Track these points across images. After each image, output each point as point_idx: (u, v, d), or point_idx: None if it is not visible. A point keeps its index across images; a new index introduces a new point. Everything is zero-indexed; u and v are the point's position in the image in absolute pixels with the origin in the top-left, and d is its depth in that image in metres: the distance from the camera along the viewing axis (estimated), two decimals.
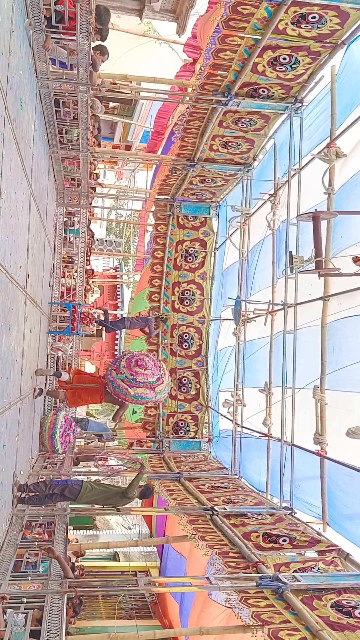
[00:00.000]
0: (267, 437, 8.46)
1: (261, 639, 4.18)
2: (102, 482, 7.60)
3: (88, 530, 14.73)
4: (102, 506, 7.38)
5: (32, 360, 7.74)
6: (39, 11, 5.91)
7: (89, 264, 13.86)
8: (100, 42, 7.04)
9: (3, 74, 4.60)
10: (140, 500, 8.62)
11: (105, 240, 24.35)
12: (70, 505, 7.28)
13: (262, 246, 9.44)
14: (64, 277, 12.11)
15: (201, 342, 12.16)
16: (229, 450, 10.19)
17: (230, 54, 6.70)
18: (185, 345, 12.10)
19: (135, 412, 12.48)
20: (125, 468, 9.21)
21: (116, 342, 23.06)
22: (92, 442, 11.45)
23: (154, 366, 8.67)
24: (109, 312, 12.63)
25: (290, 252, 6.90)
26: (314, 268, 6.17)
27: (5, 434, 5.53)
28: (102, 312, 11.82)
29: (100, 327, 11.65)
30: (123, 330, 14.97)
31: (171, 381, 10.16)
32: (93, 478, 8.33)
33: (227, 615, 5.66)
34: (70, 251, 12.50)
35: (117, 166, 21.73)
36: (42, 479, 7.43)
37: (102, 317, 11.73)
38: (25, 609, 4.32)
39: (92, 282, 15.57)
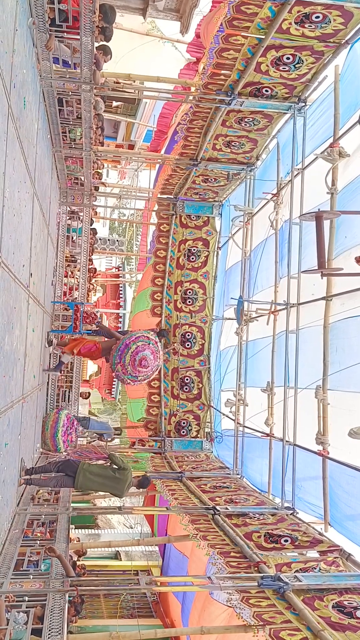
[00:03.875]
0: (269, 437, 8.46)
1: (262, 638, 4.18)
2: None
3: (90, 529, 14.74)
4: (104, 493, 7.78)
5: (34, 359, 7.75)
6: (43, 10, 5.92)
7: (92, 263, 13.87)
8: (104, 43, 7.04)
9: (7, 73, 4.61)
10: (142, 500, 8.67)
11: (108, 240, 24.37)
12: (73, 504, 7.32)
13: (264, 246, 9.43)
14: (66, 276, 12.13)
15: (203, 342, 12.15)
16: (231, 449, 10.19)
17: (234, 53, 6.69)
18: (188, 345, 12.10)
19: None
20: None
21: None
22: (93, 441, 11.46)
23: (154, 358, 8.95)
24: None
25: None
26: (316, 267, 6.16)
27: (7, 432, 5.54)
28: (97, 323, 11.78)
29: (98, 328, 11.55)
30: None
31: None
32: None
33: (228, 615, 5.67)
34: (73, 250, 12.51)
35: (120, 165, 21.74)
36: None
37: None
38: (26, 608, 4.32)
39: (95, 281, 15.58)
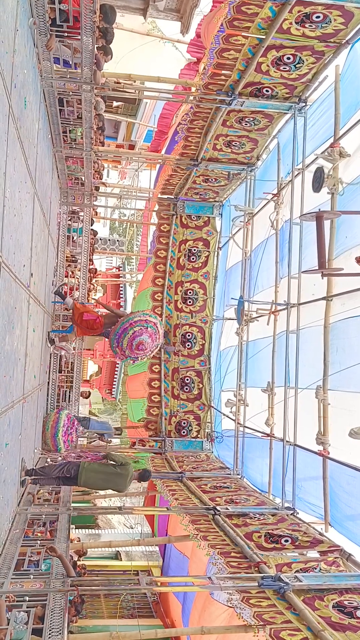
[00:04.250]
0: (269, 437, 8.45)
1: (263, 639, 4.18)
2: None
3: (90, 529, 14.75)
4: (105, 490, 7.92)
5: (35, 359, 7.75)
6: (44, 10, 5.92)
7: (92, 263, 13.87)
8: (104, 42, 7.04)
9: (7, 73, 4.61)
10: (143, 500, 8.71)
11: (109, 240, 24.36)
12: (73, 504, 7.34)
13: (265, 246, 9.43)
14: (67, 276, 12.13)
15: (204, 342, 12.15)
16: (231, 450, 10.19)
17: (234, 53, 6.70)
18: (188, 345, 12.10)
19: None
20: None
21: None
22: (93, 441, 11.46)
23: (152, 340, 9.04)
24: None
25: (320, 168, 6.49)
26: (317, 268, 6.16)
27: (8, 432, 5.54)
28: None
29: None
30: None
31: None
32: None
33: (228, 615, 5.66)
34: (73, 250, 12.51)
35: (120, 165, 21.74)
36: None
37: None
38: (27, 608, 4.32)
39: (95, 281, 15.58)
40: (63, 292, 10.21)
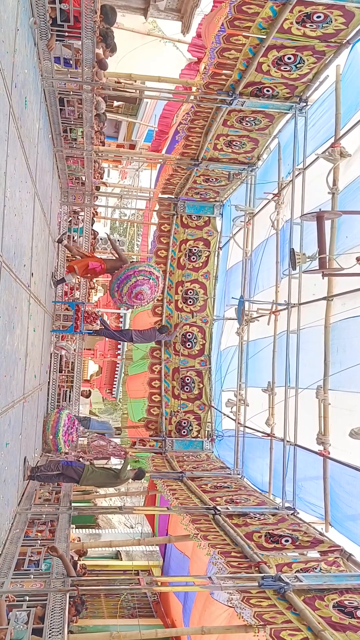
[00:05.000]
0: (270, 437, 8.45)
1: (263, 639, 4.18)
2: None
3: (90, 529, 14.75)
4: (102, 489, 8.70)
5: (35, 358, 7.75)
6: (44, 10, 5.92)
7: None
8: (104, 46, 7.04)
9: (8, 73, 4.61)
10: (143, 500, 8.80)
11: (109, 239, 24.29)
12: (73, 504, 7.37)
13: (265, 246, 9.42)
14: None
15: (204, 342, 12.15)
16: (231, 449, 10.19)
17: (235, 53, 6.69)
18: (189, 345, 12.10)
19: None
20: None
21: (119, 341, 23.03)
22: (94, 441, 11.46)
23: (151, 292, 9.20)
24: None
25: (293, 249, 6.89)
26: (317, 267, 6.15)
27: (8, 432, 5.54)
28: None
29: (102, 326, 11.62)
30: None
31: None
32: None
33: (229, 615, 5.66)
34: None
35: (121, 165, 21.72)
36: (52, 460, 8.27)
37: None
38: (27, 607, 4.33)
39: (96, 281, 15.56)
40: (66, 238, 10.37)
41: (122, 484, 7.90)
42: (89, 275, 9.92)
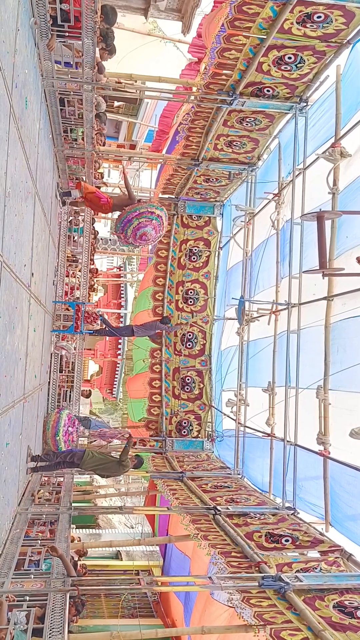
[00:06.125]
0: (270, 437, 8.45)
1: (263, 638, 4.18)
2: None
3: (91, 529, 14.75)
4: (103, 477, 8.75)
5: (36, 358, 7.76)
6: (45, 10, 5.92)
7: (93, 262, 13.86)
8: (104, 46, 7.04)
9: (8, 73, 4.61)
10: (143, 499, 8.80)
11: (109, 239, 24.34)
12: (74, 504, 7.38)
13: (266, 246, 9.42)
14: (68, 276, 12.12)
15: (205, 342, 12.16)
16: (232, 449, 10.19)
17: (236, 53, 6.70)
18: (189, 345, 12.10)
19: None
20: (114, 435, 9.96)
21: (119, 341, 23.07)
22: (94, 440, 11.47)
23: (155, 232, 9.01)
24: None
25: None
26: (318, 267, 6.15)
27: (9, 432, 5.54)
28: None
29: (104, 325, 11.64)
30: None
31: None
32: None
33: (229, 615, 5.66)
34: (74, 250, 12.51)
35: (121, 165, 21.71)
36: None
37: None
38: (27, 607, 4.33)
39: (96, 281, 15.58)
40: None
41: (123, 471, 7.88)
42: (93, 205, 9.70)
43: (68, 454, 7.79)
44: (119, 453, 8.24)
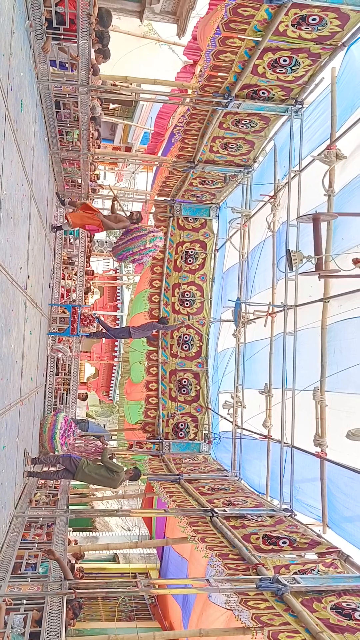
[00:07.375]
0: (267, 439, 8.45)
1: None
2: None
3: (88, 532, 14.71)
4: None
5: (32, 361, 7.74)
6: (40, 13, 5.92)
7: (89, 265, 13.85)
8: (100, 47, 7.05)
9: (4, 76, 4.60)
10: (140, 502, 8.79)
11: (105, 242, 24.33)
12: (71, 507, 7.37)
13: (262, 248, 9.44)
14: (64, 278, 12.11)
15: (201, 344, 12.15)
16: (228, 451, 10.18)
17: (231, 55, 6.71)
18: (186, 347, 12.10)
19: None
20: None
21: (116, 343, 23.05)
22: (91, 443, 11.44)
23: (152, 258, 9.82)
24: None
25: (289, 250, 6.88)
26: (314, 269, 6.16)
27: (5, 435, 5.52)
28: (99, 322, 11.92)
29: (100, 328, 11.63)
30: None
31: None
32: None
33: (227, 617, 5.65)
34: (70, 252, 12.50)
35: (117, 168, 21.72)
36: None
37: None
38: (24, 611, 4.31)
39: (92, 283, 15.56)
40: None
41: (117, 482, 7.81)
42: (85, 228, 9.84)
43: (67, 459, 7.73)
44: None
